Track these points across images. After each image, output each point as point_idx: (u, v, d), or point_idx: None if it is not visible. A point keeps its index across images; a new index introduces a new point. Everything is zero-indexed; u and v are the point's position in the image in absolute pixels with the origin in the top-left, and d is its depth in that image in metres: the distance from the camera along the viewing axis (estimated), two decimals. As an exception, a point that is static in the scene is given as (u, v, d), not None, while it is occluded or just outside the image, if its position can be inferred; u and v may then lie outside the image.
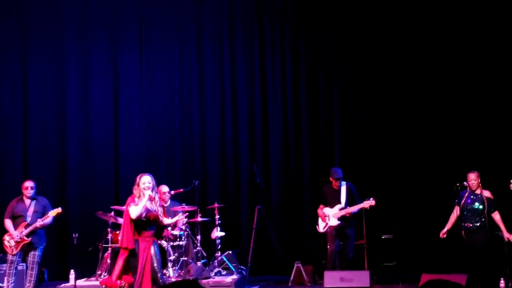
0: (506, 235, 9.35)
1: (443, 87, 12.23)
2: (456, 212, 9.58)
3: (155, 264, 7.98)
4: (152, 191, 8.09)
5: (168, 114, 12.98)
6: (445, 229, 9.59)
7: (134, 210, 7.95)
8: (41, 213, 9.58)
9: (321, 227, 10.79)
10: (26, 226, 9.45)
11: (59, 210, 9.57)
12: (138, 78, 12.97)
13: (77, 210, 12.47)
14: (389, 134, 12.39)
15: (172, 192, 11.25)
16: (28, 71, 12.89)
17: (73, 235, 9.85)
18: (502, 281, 9.55)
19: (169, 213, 11.09)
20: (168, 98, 13.02)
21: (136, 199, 8.06)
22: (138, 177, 8.19)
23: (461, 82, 12.17)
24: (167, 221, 8.47)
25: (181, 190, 11.35)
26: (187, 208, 10.97)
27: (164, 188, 11.28)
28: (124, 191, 12.43)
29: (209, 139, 12.89)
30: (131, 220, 7.97)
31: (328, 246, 10.61)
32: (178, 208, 11.03)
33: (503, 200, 9.43)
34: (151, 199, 8.07)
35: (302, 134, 12.70)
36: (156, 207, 8.14)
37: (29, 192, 9.65)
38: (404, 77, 12.38)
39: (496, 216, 9.40)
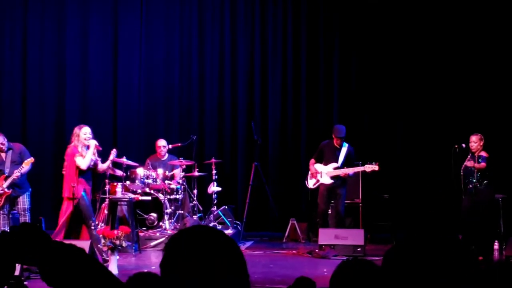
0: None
1: (445, 52, 12.15)
2: None
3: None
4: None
5: (167, 69, 12.93)
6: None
7: (83, 161, 8.54)
8: (19, 162, 9.49)
9: (311, 183, 10.58)
10: (6, 178, 9.36)
11: (31, 159, 9.47)
12: (138, 33, 12.89)
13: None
14: (388, 94, 12.35)
15: (170, 146, 11.29)
16: (28, 23, 12.80)
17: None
18: (496, 244, 9.63)
19: (166, 166, 11.18)
20: (167, 53, 12.95)
21: (80, 150, 8.55)
22: (77, 128, 8.78)
23: (468, 49, 12.07)
24: (103, 166, 9.11)
25: (179, 144, 11.37)
26: (184, 162, 11.00)
27: (162, 142, 11.31)
28: (122, 144, 12.48)
29: (208, 94, 12.86)
30: (78, 170, 8.53)
31: (319, 205, 10.49)
32: (176, 162, 11.07)
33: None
34: (97, 148, 8.71)
35: (301, 91, 12.66)
36: (95, 156, 8.75)
37: (0, 148, 9.57)
38: (407, 38, 12.29)
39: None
